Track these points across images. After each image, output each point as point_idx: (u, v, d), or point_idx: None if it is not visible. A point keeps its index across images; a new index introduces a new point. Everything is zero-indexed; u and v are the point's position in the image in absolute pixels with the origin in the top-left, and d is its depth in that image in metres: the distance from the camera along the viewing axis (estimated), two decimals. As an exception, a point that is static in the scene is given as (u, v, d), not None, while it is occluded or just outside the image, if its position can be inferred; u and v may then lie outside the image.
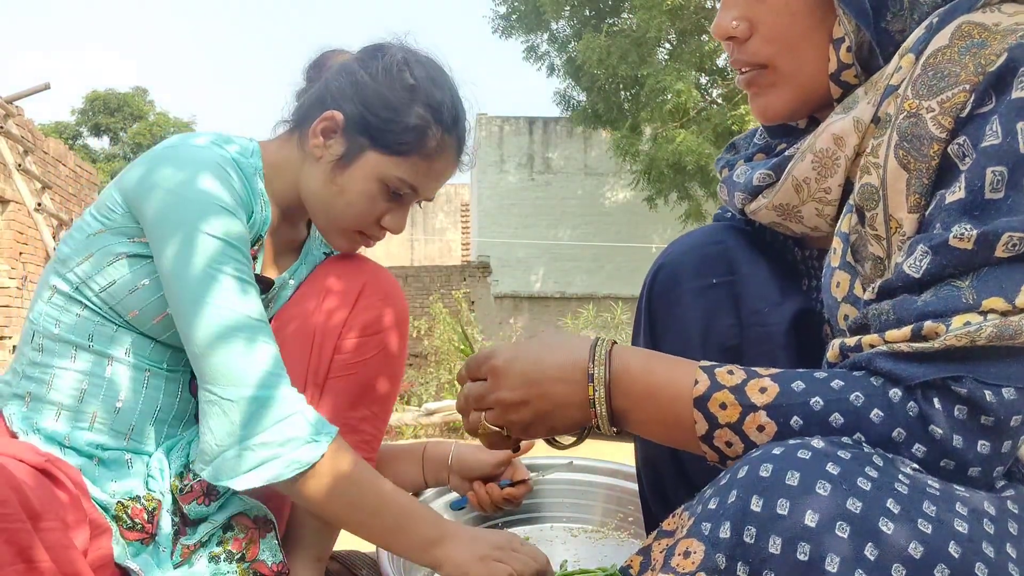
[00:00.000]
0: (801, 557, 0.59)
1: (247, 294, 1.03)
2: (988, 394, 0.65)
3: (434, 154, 1.15)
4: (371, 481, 1.03)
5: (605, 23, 11.08)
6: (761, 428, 0.71)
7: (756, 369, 0.74)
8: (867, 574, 0.57)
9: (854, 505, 0.59)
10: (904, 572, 0.58)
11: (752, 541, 0.61)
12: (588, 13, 11.59)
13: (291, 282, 1.23)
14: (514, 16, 12.23)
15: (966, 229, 0.66)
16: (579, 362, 0.82)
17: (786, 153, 0.89)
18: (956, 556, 0.59)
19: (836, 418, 0.69)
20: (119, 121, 25.07)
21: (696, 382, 0.75)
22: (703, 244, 1.00)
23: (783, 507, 0.60)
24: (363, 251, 1.27)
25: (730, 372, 0.75)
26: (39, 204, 6.75)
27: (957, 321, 0.66)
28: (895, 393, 0.68)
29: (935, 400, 0.66)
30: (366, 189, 1.13)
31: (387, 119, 1.12)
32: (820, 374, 0.72)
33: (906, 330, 0.68)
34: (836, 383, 0.70)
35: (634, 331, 1.06)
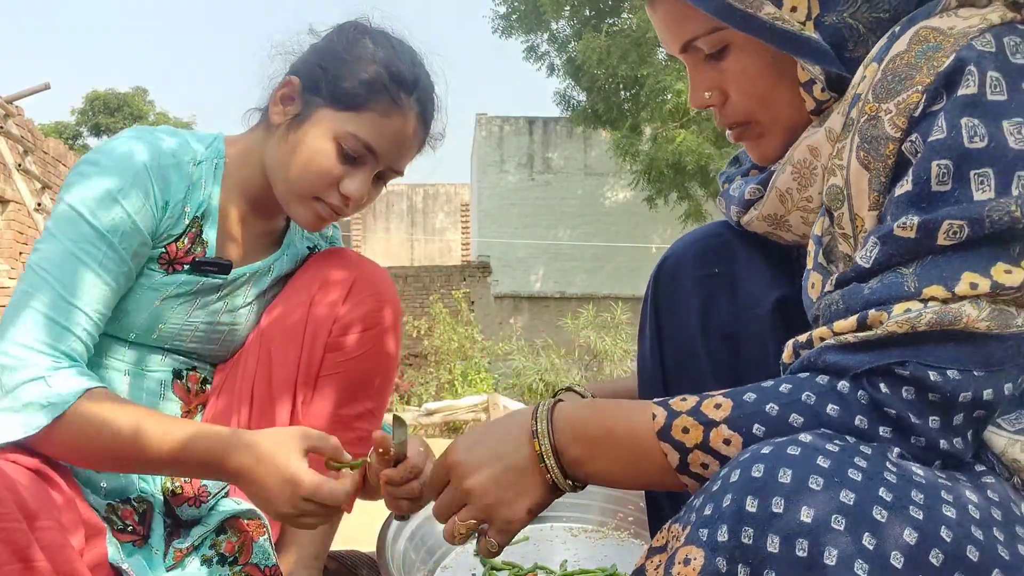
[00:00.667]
0: (800, 554, 0.59)
1: (69, 266, 1.01)
2: (932, 374, 0.67)
3: (389, 112, 1.11)
4: (116, 437, 0.97)
5: (605, 23, 11.08)
6: (727, 441, 0.72)
7: (708, 392, 0.76)
8: (867, 563, 0.58)
9: (847, 497, 0.60)
10: (902, 560, 0.58)
11: (751, 542, 0.61)
12: (588, 13, 11.59)
13: (271, 273, 1.22)
14: (514, 16, 12.23)
15: (910, 219, 0.69)
16: (524, 424, 0.83)
17: (772, 168, 0.92)
18: (948, 540, 0.60)
19: (795, 418, 0.70)
20: (119, 121, 25.08)
21: (654, 416, 0.76)
22: (706, 237, 1.03)
23: (778, 505, 0.61)
24: (359, 248, 1.27)
25: (683, 399, 0.76)
26: (39, 204, 6.75)
27: (898, 309, 0.69)
28: (843, 385, 0.70)
29: (881, 385, 0.69)
30: (319, 147, 1.10)
31: (338, 74, 1.11)
32: (768, 383, 0.74)
33: (852, 320, 0.71)
34: (784, 387, 0.72)
35: (640, 322, 1.08)
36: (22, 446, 0.97)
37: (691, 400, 0.76)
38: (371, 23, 1.18)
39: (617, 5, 11.49)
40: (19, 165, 6.55)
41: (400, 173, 1.19)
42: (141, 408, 1.01)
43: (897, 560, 0.58)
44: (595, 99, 11.39)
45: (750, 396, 0.73)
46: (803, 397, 0.71)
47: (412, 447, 1.01)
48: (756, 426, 0.71)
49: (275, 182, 1.15)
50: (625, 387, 1.16)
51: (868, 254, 0.72)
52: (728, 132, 0.94)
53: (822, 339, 0.74)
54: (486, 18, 12.73)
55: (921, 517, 0.60)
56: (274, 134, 1.14)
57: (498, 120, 14.89)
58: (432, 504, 1.37)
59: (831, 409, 0.70)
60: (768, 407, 0.72)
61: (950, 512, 0.61)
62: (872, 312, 0.70)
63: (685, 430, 0.74)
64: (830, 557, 0.58)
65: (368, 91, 1.10)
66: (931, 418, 0.68)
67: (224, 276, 1.15)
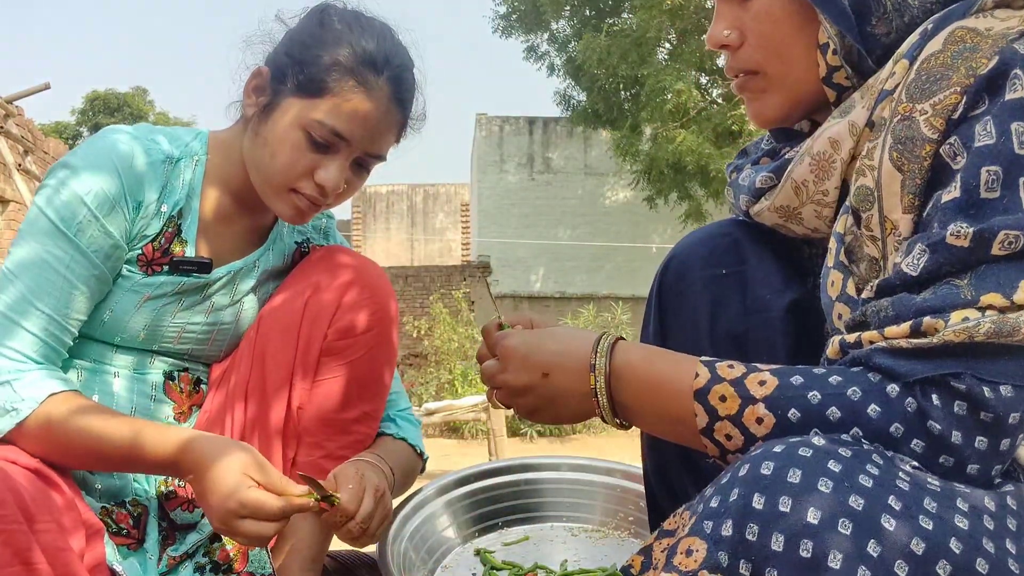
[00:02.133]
0: (804, 554, 0.59)
1: (37, 269, 1.01)
2: (987, 390, 0.66)
3: (356, 95, 1.07)
4: (83, 435, 0.98)
5: (605, 23, 11.08)
6: (760, 420, 0.71)
7: (756, 364, 0.75)
8: (869, 570, 0.57)
9: (856, 502, 0.60)
10: (906, 569, 0.58)
11: (754, 539, 0.61)
12: (588, 13, 11.59)
13: (256, 269, 1.20)
14: (514, 16, 12.23)
15: (962, 227, 0.68)
16: (582, 352, 0.84)
17: (787, 156, 0.91)
18: (957, 552, 0.59)
19: (833, 412, 0.69)
20: (119, 121, 25.02)
21: (696, 375, 0.76)
22: (713, 236, 1.02)
23: (785, 504, 0.60)
24: (359, 248, 1.26)
25: (730, 366, 0.76)
26: (39, 204, 6.73)
27: (955, 317, 0.67)
28: (892, 388, 0.68)
29: (934, 396, 0.67)
30: (289, 136, 1.07)
31: (303, 60, 1.08)
32: (819, 370, 0.73)
33: (905, 326, 0.69)
34: (834, 379, 0.71)
35: (644, 322, 1.07)
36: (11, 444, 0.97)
37: (738, 369, 0.75)
38: (343, 4, 1.14)
39: (617, 5, 11.50)
40: (19, 165, 6.55)
41: (381, 158, 1.15)
42: (107, 411, 1.02)
43: (902, 569, 0.58)
44: (595, 99, 11.39)
45: (797, 379, 0.72)
46: (849, 391, 0.69)
47: (343, 491, 0.98)
48: (792, 411, 0.70)
49: (252, 176, 1.13)
50: None
51: (915, 262, 0.70)
52: (733, 83, 0.93)
53: (871, 342, 0.72)
54: (486, 18, 12.75)
55: (931, 527, 0.59)
56: (248, 127, 1.13)
57: (498, 120, 14.89)
58: (432, 504, 1.37)
59: (872, 410, 0.68)
60: (811, 394, 0.70)
61: (962, 522, 0.61)
62: (927, 319, 0.68)
63: (723, 398, 0.73)
64: (834, 560, 0.58)
65: (332, 75, 1.06)
66: (978, 439, 0.66)
67: (205, 275, 1.14)
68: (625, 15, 11.40)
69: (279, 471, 0.97)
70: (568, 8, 11.63)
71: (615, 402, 0.83)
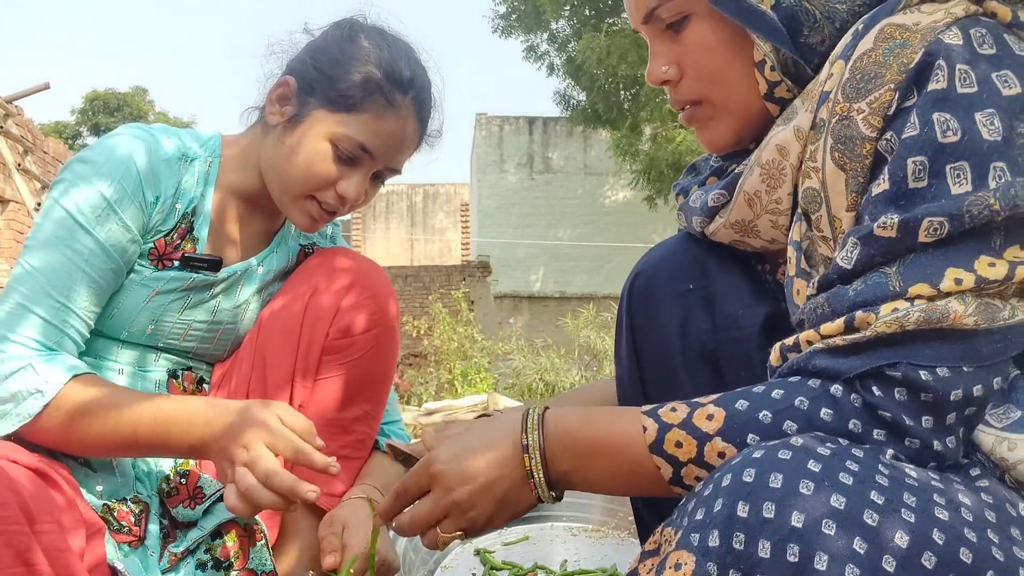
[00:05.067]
0: (791, 559, 0.59)
1: (56, 262, 1.02)
2: (923, 374, 0.67)
3: (384, 113, 1.11)
4: (107, 415, 0.99)
5: (605, 23, 11.08)
6: (721, 454, 0.72)
7: (698, 400, 0.75)
8: (858, 568, 0.58)
9: (838, 501, 0.60)
10: (894, 563, 0.58)
11: (742, 547, 0.61)
12: (588, 13, 11.59)
13: (260, 270, 1.21)
14: (514, 16, 12.23)
15: (890, 217, 0.69)
16: (513, 436, 0.81)
17: (736, 171, 0.91)
18: (940, 543, 0.59)
19: (789, 425, 0.70)
20: (119, 121, 25.07)
21: (645, 428, 0.75)
22: (676, 251, 1.01)
23: (769, 510, 0.61)
24: (360, 248, 1.27)
25: (673, 409, 0.75)
26: (39, 204, 6.74)
27: (885, 309, 0.68)
28: (836, 389, 0.70)
29: (874, 388, 0.68)
30: (315, 148, 1.10)
31: (333, 75, 1.10)
32: (759, 388, 0.73)
33: (839, 322, 0.70)
34: (776, 393, 0.72)
35: (615, 341, 1.05)
36: (19, 441, 0.97)
37: (681, 410, 0.74)
38: (367, 20, 1.17)
39: (617, 5, 11.49)
40: (19, 165, 6.55)
41: (398, 171, 1.19)
42: (128, 390, 1.03)
43: (889, 563, 0.58)
44: (595, 99, 11.39)
45: (742, 404, 0.72)
46: (796, 403, 0.70)
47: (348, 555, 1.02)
48: (750, 435, 0.71)
49: (270, 182, 1.15)
50: (596, 395, 1.14)
51: (849, 255, 0.72)
52: (681, 116, 0.94)
53: (809, 342, 0.73)
54: (486, 18, 12.74)
55: (913, 520, 0.60)
56: (270, 134, 1.14)
57: (498, 120, 14.89)
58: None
59: (825, 414, 0.69)
60: (761, 415, 0.71)
61: (943, 514, 0.61)
62: (859, 314, 0.69)
63: (679, 444, 0.73)
64: (820, 562, 0.58)
65: (363, 92, 1.10)
66: (924, 418, 0.68)
67: (214, 273, 1.15)
68: (625, 15, 11.39)
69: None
70: (568, 8, 11.62)
71: (554, 472, 0.79)
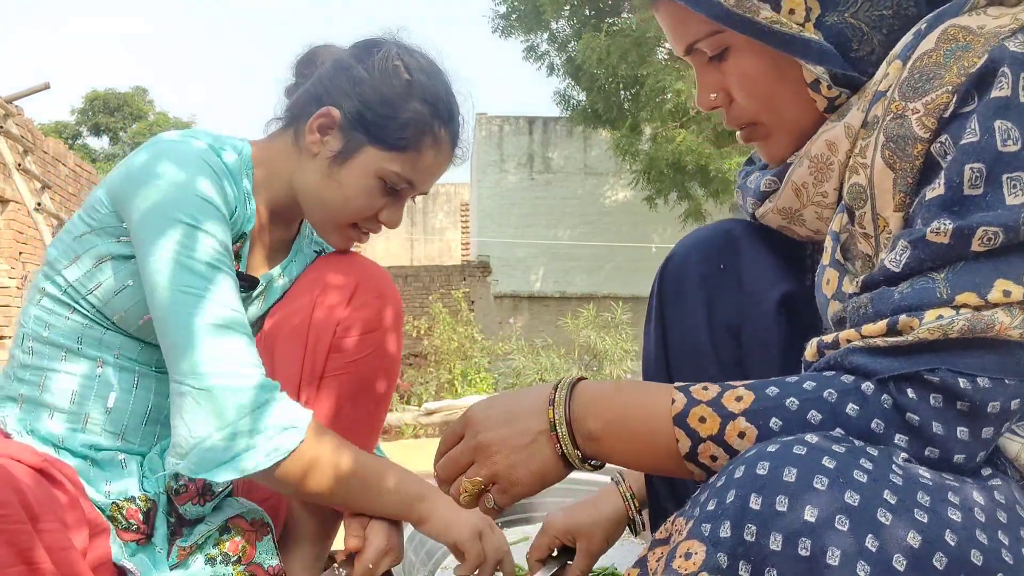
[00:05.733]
0: (802, 552, 0.59)
1: (229, 289, 1.03)
2: (962, 382, 0.66)
3: (430, 149, 1.15)
4: (351, 457, 1.04)
5: (605, 23, 11.07)
6: (742, 434, 0.72)
7: (730, 383, 0.76)
8: (869, 566, 0.58)
9: (852, 498, 0.60)
10: (904, 562, 0.58)
11: (753, 539, 0.61)
12: (588, 13, 11.58)
13: (281, 280, 1.22)
14: (514, 16, 12.21)
15: (943, 224, 0.68)
16: (544, 394, 0.83)
17: (789, 161, 0.92)
18: (953, 544, 0.59)
19: (814, 415, 0.70)
20: (119, 121, 25.07)
21: (673, 401, 0.76)
22: (711, 234, 1.03)
23: (782, 504, 0.61)
24: (360, 248, 1.27)
25: (704, 388, 0.76)
26: (39, 204, 6.74)
27: (930, 315, 0.67)
28: (867, 387, 0.69)
29: (908, 391, 0.68)
30: (365, 184, 1.13)
31: (384, 115, 1.12)
32: (792, 378, 0.74)
33: (881, 324, 0.70)
34: (808, 384, 0.72)
35: (646, 320, 1.08)
36: (20, 442, 0.97)
37: (712, 390, 0.75)
38: (403, 46, 1.18)
39: (617, 5, 11.49)
40: (19, 165, 6.55)
41: (426, 193, 1.25)
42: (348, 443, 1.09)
43: (899, 562, 0.58)
44: (595, 99, 11.38)
45: (772, 390, 0.73)
46: (825, 394, 0.70)
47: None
48: (773, 420, 0.71)
49: (312, 209, 1.18)
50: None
51: (898, 258, 0.71)
52: (739, 135, 0.95)
53: (848, 340, 0.73)
54: (486, 18, 12.73)
55: (926, 520, 0.60)
56: (309, 160, 1.15)
57: (498, 120, 14.88)
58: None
59: (851, 409, 0.69)
60: (788, 401, 0.71)
61: (955, 515, 0.61)
62: (903, 317, 0.69)
63: (702, 419, 0.74)
64: (832, 557, 0.58)
65: (413, 133, 1.13)
66: (959, 429, 0.67)
67: (249, 292, 1.17)
68: (625, 15, 11.39)
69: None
70: (568, 8, 11.62)
71: (579, 432, 0.81)
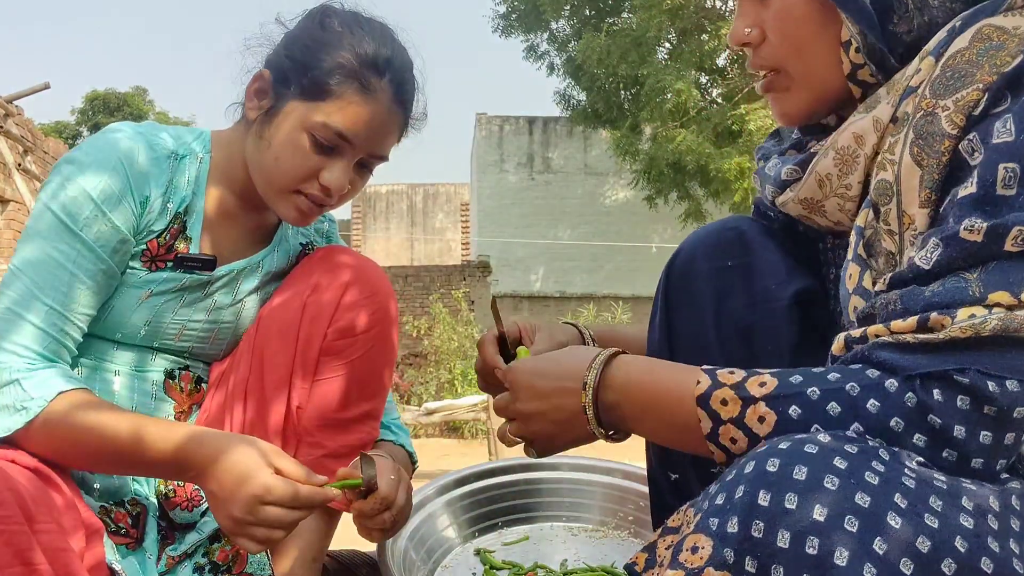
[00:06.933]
0: (810, 551, 0.58)
1: (45, 266, 1.01)
2: (991, 384, 0.66)
3: (360, 98, 1.08)
4: (88, 432, 0.97)
5: (605, 23, 11.08)
6: (762, 419, 0.72)
7: (756, 369, 0.76)
8: (875, 567, 0.57)
9: (862, 499, 0.60)
10: (912, 566, 0.58)
11: (760, 535, 0.60)
12: (588, 12, 11.60)
13: (262, 268, 1.21)
14: (514, 15, 12.23)
15: (976, 222, 0.68)
16: (580, 370, 0.86)
17: (812, 150, 0.91)
18: (962, 550, 0.59)
19: (833, 407, 0.69)
20: (119, 121, 25.07)
21: (698, 382, 0.77)
22: (720, 231, 1.03)
23: (791, 501, 0.60)
24: (359, 248, 1.26)
25: (731, 372, 0.76)
26: (39, 204, 6.74)
27: (962, 313, 0.67)
28: (892, 383, 0.68)
29: (935, 391, 0.67)
30: (292, 139, 1.08)
31: (304, 63, 1.08)
32: (818, 369, 0.73)
33: (912, 321, 0.69)
34: (833, 375, 0.72)
35: (651, 316, 1.07)
36: (14, 443, 0.97)
37: (738, 375, 0.76)
38: (342, 5, 1.15)
39: (617, 5, 11.50)
40: (19, 165, 6.55)
41: (384, 158, 1.15)
42: (115, 408, 1.01)
43: (907, 566, 0.58)
44: (595, 99, 11.40)
45: (796, 378, 0.72)
46: (848, 387, 0.70)
47: (383, 478, 1.00)
48: (793, 407, 0.71)
49: (255, 178, 1.13)
50: (629, 336, 1.20)
51: (929, 255, 0.70)
52: (758, 84, 0.94)
53: (877, 336, 0.72)
54: (486, 18, 12.74)
55: (936, 525, 0.59)
56: (251, 129, 1.13)
57: (498, 120, 14.90)
58: (432, 504, 1.38)
59: (871, 404, 0.68)
60: (810, 391, 0.71)
61: (967, 521, 0.61)
62: (934, 315, 0.68)
63: (724, 402, 0.74)
64: (840, 557, 0.58)
65: (335, 78, 1.07)
66: (983, 433, 0.66)
67: (209, 273, 1.14)
68: (625, 15, 11.40)
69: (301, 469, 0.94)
70: (568, 8, 11.63)
71: (605, 413, 0.85)
